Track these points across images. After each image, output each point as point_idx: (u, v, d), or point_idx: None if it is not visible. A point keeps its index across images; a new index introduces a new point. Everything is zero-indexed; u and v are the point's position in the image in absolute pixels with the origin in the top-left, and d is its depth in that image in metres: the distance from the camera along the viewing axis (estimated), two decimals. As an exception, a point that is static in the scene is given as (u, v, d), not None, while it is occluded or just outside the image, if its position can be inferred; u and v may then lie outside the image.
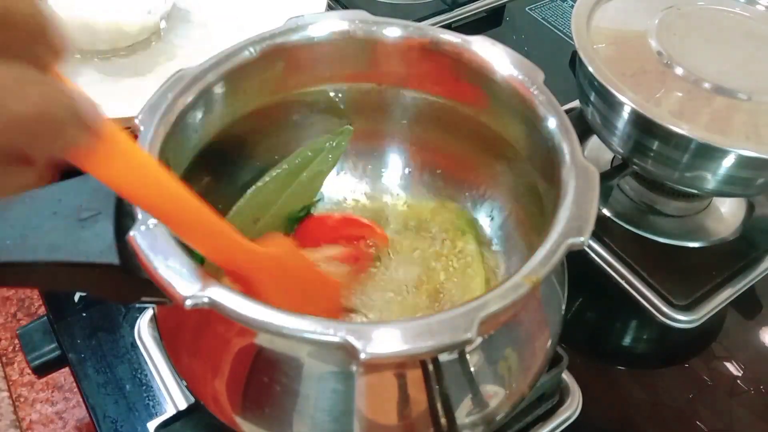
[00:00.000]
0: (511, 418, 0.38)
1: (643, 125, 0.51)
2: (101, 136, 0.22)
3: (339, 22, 0.43)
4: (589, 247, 0.57)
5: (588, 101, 0.56)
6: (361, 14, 0.44)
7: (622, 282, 0.55)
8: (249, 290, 0.32)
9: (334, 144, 0.49)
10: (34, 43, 0.18)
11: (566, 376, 0.48)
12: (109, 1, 0.64)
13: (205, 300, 0.28)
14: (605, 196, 0.61)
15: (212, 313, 0.28)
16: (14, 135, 0.18)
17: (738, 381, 0.52)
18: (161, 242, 0.29)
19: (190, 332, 0.36)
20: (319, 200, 0.50)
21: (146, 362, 0.48)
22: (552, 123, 0.38)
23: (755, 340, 0.56)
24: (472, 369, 0.33)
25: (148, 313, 0.51)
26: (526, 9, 0.87)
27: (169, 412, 0.46)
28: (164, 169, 0.27)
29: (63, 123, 0.19)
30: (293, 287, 0.35)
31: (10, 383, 0.54)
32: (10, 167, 0.20)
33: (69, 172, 0.25)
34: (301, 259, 0.39)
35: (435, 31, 0.43)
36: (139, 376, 0.48)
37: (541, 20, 0.85)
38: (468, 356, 0.33)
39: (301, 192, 0.48)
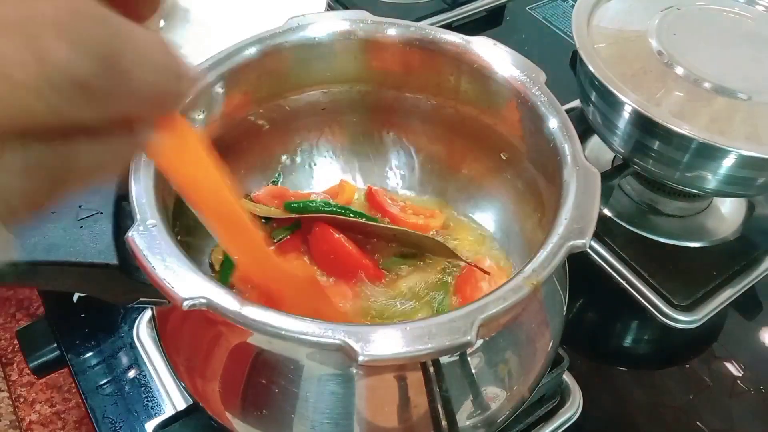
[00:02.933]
0: (512, 419, 0.38)
1: (643, 125, 0.51)
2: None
3: (339, 22, 0.43)
4: (590, 247, 0.57)
5: (589, 101, 0.56)
6: (361, 14, 0.43)
7: (623, 282, 0.55)
8: (268, 300, 0.32)
9: None
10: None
11: (567, 377, 0.48)
12: (108, 1, 0.64)
13: (203, 301, 0.27)
14: (606, 196, 0.60)
15: (210, 315, 0.28)
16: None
17: (738, 381, 0.51)
18: (160, 243, 0.29)
19: (188, 333, 0.36)
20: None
21: (145, 363, 0.48)
22: (553, 123, 0.38)
23: (755, 340, 0.55)
24: (473, 371, 0.33)
25: (147, 314, 0.50)
26: (527, 9, 0.86)
27: (168, 412, 0.45)
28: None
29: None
30: (305, 304, 0.35)
31: (10, 383, 0.54)
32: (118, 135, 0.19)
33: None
34: (316, 284, 0.41)
35: (435, 31, 0.43)
36: (137, 376, 0.48)
37: (542, 20, 0.85)
38: (469, 359, 0.33)
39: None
